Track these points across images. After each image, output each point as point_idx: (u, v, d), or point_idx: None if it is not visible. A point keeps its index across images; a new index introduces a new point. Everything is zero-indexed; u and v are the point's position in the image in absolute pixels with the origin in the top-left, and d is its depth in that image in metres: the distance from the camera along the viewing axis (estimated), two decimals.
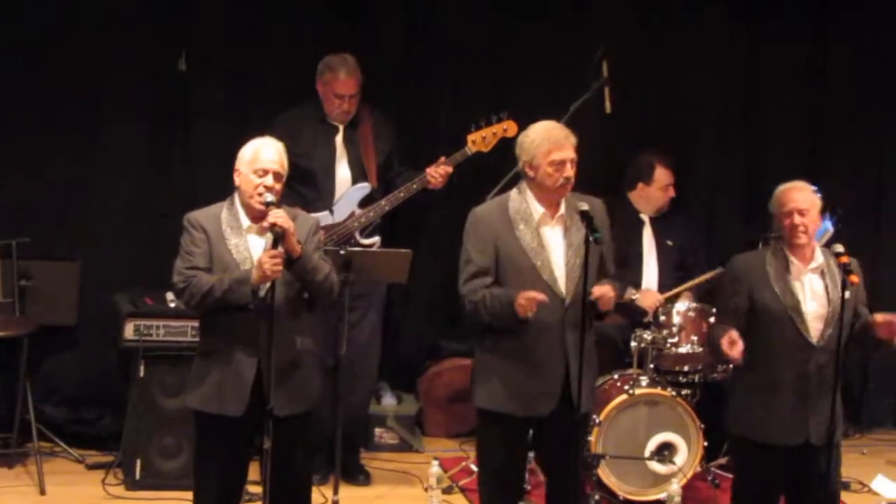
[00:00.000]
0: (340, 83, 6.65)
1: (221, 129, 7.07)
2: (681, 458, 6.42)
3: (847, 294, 5.28)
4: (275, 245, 4.96)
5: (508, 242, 5.17)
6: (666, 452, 6.42)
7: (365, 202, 6.67)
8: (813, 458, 5.34)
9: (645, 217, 7.09)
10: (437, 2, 7.65)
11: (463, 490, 6.64)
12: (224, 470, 5.15)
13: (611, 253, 5.40)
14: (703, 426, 6.43)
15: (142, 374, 6.49)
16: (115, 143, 7.23)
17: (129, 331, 6.53)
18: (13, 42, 7.07)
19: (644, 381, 6.48)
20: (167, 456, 6.52)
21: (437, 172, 6.57)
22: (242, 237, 5.10)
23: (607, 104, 6.87)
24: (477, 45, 7.66)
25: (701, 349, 6.62)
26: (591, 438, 6.22)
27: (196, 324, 5.53)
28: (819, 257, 5.43)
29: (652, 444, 6.41)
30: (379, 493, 6.73)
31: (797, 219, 5.35)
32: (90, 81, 7.21)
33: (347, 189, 6.70)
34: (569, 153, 5.17)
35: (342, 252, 5.92)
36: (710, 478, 6.76)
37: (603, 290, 5.10)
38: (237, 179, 5.13)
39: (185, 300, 5.10)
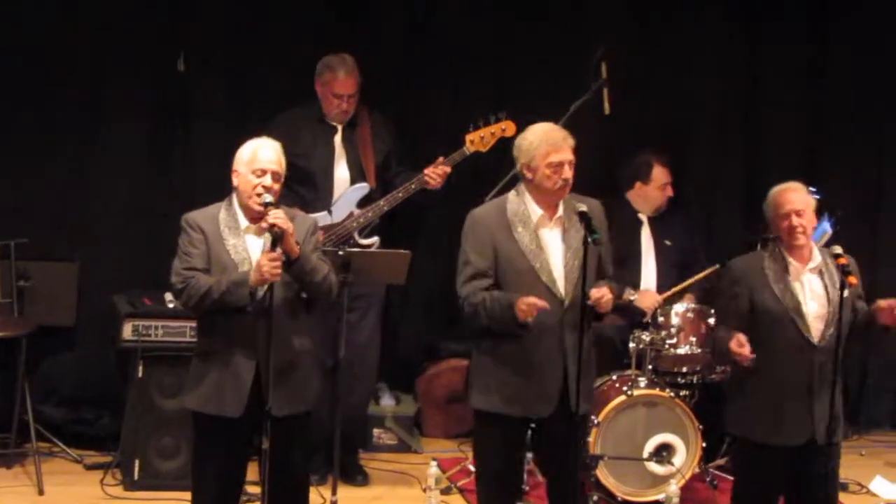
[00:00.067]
0: (339, 83, 6.65)
1: (221, 129, 7.07)
2: (679, 459, 6.41)
3: (846, 293, 5.28)
4: (273, 246, 4.94)
5: (507, 244, 5.15)
6: (664, 453, 6.42)
7: (363, 202, 6.67)
8: (813, 458, 5.34)
9: (643, 217, 7.09)
10: (437, 2, 7.65)
11: (461, 491, 6.64)
12: (222, 470, 5.14)
13: (609, 254, 5.38)
14: (701, 427, 6.43)
15: (140, 374, 6.49)
16: (114, 143, 7.23)
17: (127, 331, 6.53)
18: (13, 42, 7.07)
19: (642, 382, 6.47)
20: (165, 456, 6.51)
21: (436, 173, 6.57)
22: (241, 238, 5.09)
23: (606, 105, 6.86)
24: (477, 45, 7.65)
25: (699, 350, 6.61)
26: (590, 439, 6.22)
27: (195, 324, 5.53)
28: (817, 257, 5.43)
29: (650, 445, 6.41)
30: (377, 493, 6.73)
31: (795, 220, 5.34)
32: (90, 81, 7.21)
33: (346, 189, 6.69)
34: (567, 155, 5.15)
35: (341, 252, 5.92)
36: (708, 479, 6.75)
37: (601, 293, 5.07)
38: (235, 180, 5.11)
39: (182, 301, 5.10)
